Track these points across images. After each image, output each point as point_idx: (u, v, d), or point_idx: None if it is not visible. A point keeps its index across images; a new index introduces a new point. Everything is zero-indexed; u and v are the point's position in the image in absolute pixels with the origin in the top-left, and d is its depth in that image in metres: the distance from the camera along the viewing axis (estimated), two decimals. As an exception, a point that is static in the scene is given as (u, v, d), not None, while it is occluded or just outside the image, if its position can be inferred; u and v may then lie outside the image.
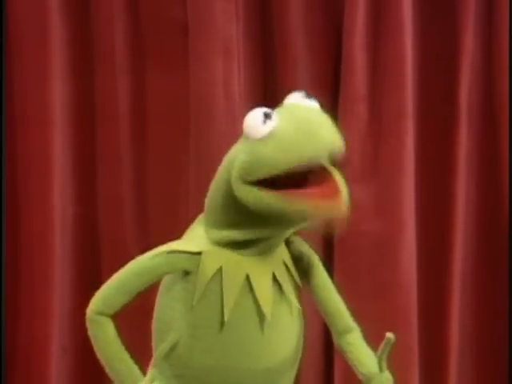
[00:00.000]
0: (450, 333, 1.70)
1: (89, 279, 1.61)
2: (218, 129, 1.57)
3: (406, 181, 1.65)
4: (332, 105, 1.66)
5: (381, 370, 1.07)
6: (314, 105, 1.00)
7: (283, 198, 0.93)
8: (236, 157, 0.97)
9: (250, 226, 0.98)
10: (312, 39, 1.66)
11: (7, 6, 1.55)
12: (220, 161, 1.57)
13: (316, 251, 1.63)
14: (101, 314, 1.02)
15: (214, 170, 1.58)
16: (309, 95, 1.01)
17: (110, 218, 1.62)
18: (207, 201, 1.04)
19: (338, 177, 0.97)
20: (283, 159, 0.92)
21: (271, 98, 1.64)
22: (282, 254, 1.05)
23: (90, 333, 1.03)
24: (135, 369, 1.04)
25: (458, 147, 1.69)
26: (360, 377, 1.10)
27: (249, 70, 1.62)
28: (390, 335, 1.04)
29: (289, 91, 1.62)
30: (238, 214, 0.98)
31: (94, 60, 1.61)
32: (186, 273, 1.00)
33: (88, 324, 1.03)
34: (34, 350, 1.55)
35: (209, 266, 0.99)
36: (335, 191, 0.95)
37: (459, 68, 1.69)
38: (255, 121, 0.96)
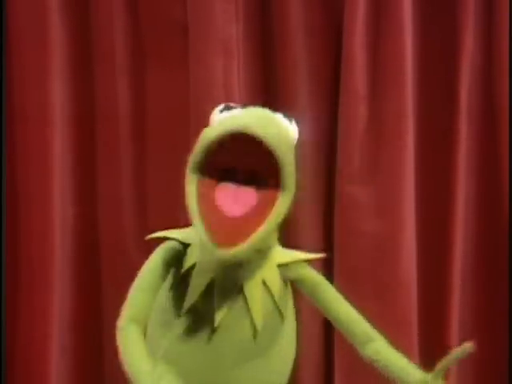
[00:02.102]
0: (450, 332, 1.70)
1: (89, 279, 1.61)
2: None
3: (406, 181, 1.65)
4: (332, 104, 1.66)
5: (437, 376, 1.02)
6: (280, 118, 1.02)
7: (194, 206, 0.96)
8: None
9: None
10: (312, 39, 1.66)
11: (7, 6, 1.55)
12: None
13: (315, 251, 1.64)
14: (133, 320, 1.00)
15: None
16: (291, 119, 1.03)
17: (110, 218, 1.62)
18: None
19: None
20: (208, 133, 0.96)
21: (271, 98, 1.64)
22: (266, 274, 1.02)
23: (119, 340, 0.99)
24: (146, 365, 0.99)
25: (457, 147, 1.69)
26: None
27: (249, 70, 1.62)
28: (469, 345, 1.02)
29: (289, 91, 1.64)
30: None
31: (94, 60, 1.61)
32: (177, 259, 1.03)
33: (118, 333, 1.00)
34: (34, 350, 1.55)
35: (189, 259, 1.01)
36: (237, 240, 0.91)
37: (459, 67, 1.69)
38: (214, 113, 1.02)
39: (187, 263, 1.01)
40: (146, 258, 1.66)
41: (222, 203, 0.94)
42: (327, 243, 1.66)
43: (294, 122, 1.04)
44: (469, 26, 1.68)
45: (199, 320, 1.00)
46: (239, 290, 1.00)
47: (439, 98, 1.71)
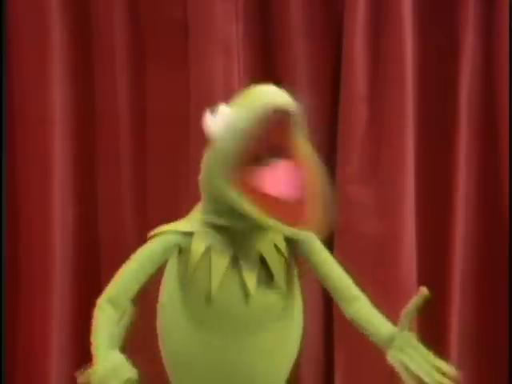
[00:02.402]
0: (450, 333, 1.70)
1: (89, 279, 1.61)
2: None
3: (406, 181, 1.65)
4: (332, 105, 1.66)
5: (403, 328, 1.05)
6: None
7: (245, 200, 0.97)
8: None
9: (227, 215, 1.01)
10: (312, 39, 1.66)
11: (7, 6, 1.55)
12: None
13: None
14: (110, 301, 1.03)
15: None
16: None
17: (110, 218, 1.62)
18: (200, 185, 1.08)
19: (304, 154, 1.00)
20: (241, 123, 0.97)
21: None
22: (274, 236, 1.07)
23: (93, 319, 1.03)
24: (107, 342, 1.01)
25: (457, 147, 1.69)
26: (378, 342, 1.08)
27: (249, 70, 1.62)
28: (423, 288, 1.03)
29: (289, 91, 1.64)
30: (216, 203, 1.03)
31: (94, 60, 1.61)
32: (180, 252, 1.05)
33: (95, 310, 1.03)
34: (34, 350, 1.55)
35: (199, 245, 1.03)
36: (298, 210, 0.98)
37: (459, 68, 1.69)
38: (206, 122, 1.02)
39: (198, 250, 1.03)
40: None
41: (272, 189, 0.97)
42: (327, 243, 1.66)
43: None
44: (469, 27, 1.68)
45: (229, 297, 1.03)
46: (258, 258, 1.05)
47: (439, 98, 1.71)
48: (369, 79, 1.65)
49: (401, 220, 1.64)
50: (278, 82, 1.61)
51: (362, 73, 1.64)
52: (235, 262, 1.04)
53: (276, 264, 1.06)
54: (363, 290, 1.62)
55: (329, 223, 1.01)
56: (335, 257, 1.61)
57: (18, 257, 1.57)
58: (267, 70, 1.65)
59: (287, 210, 0.97)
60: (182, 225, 1.07)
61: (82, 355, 1.60)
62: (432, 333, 1.69)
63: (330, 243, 1.66)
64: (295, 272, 1.10)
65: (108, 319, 1.02)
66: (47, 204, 1.55)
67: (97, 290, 1.60)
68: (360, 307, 1.10)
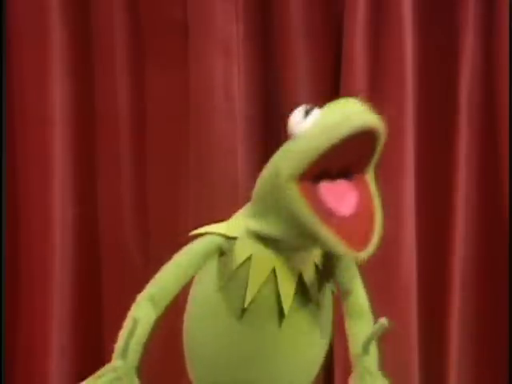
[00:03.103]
0: (450, 333, 1.70)
1: (89, 279, 1.61)
2: (217, 129, 1.57)
3: (406, 181, 1.65)
4: (332, 104, 1.66)
5: (365, 351, 1.05)
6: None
7: (312, 215, 0.91)
8: (277, 154, 0.97)
9: (275, 228, 0.97)
10: (312, 39, 1.66)
11: (7, 6, 1.55)
12: (220, 160, 1.59)
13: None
14: (151, 299, 1.00)
15: (213, 170, 1.60)
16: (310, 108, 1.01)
17: (110, 218, 1.62)
18: (254, 190, 1.03)
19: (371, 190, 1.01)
20: (316, 141, 0.92)
21: (271, 98, 1.64)
22: (314, 253, 1.04)
23: (129, 312, 1.00)
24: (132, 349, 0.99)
25: (458, 147, 1.69)
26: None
27: (249, 70, 1.62)
28: (383, 320, 1.03)
29: (289, 91, 1.64)
30: (267, 211, 0.98)
31: (94, 60, 1.61)
32: (221, 254, 1.02)
33: (133, 305, 1.01)
34: (34, 350, 1.55)
35: (241, 252, 1.00)
36: (365, 239, 0.98)
37: (459, 67, 1.69)
38: (295, 117, 0.97)
39: (239, 257, 1.00)
40: (146, 257, 1.67)
41: (331, 205, 0.93)
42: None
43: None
44: (469, 26, 1.68)
45: (262, 310, 1.00)
46: (298, 275, 1.01)
47: (439, 97, 1.71)
48: (369, 79, 1.65)
49: (401, 220, 1.64)
50: (277, 81, 1.64)
51: (362, 72, 1.64)
52: (274, 275, 0.99)
53: (314, 284, 1.02)
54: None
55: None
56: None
57: (18, 257, 1.57)
58: (267, 70, 1.66)
59: (353, 229, 0.94)
60: (225, 228, 1.03)
61: (82, 355, 1.62)
62: (432, 332, 1.70)
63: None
64: (328, 292, 1.07)
65: (146, 318, 0.99)
66: (47, 204, 1.55)
67: (97, 290, 1.62)
68: (355, 325, 1.09)
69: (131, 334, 0.98)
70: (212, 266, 1.03)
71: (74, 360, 1.61)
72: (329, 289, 1.08)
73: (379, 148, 0.97)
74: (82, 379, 1.67)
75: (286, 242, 0.99)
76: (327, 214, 0.92)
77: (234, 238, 1.01)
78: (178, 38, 1.60)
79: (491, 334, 1.75)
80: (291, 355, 1.03)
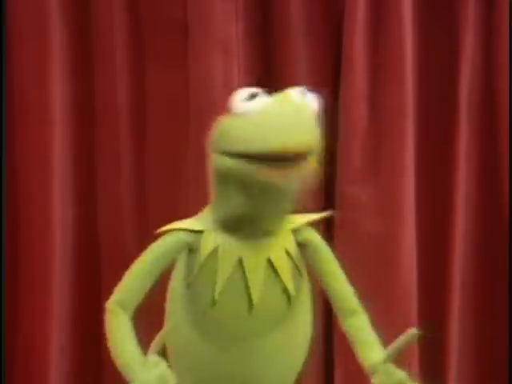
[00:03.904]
0: (450, 333, 1.70)
1: (88, 280, 1.61)
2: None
3: (407, 180, 1.65)
4: (332, 104, 1.66)
5: (388, 359, 1.04)
6: (306, 101, 1.01)
7: (243, 164, 0.94)
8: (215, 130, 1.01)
9: (234, 202, 0.99)
10: (312, 38, 1.66)
11: (7, 6, 1.55)
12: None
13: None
14: (120, 304, 1.02)
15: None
16: (309, 91, 1.03)
17: (110, 218, 1.62)
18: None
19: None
20: (246, 142, 0.95)
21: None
22: (285, 241, 1.05)
23: (106, 325, 1.03)
24: (138, 355, 1.00)
25: (458, 146, 1.69)
26: (363, 366, 1.08)
27: (249, 70, 1.62)
28: (413, 330, 1.02)
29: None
30: (221, 189, 1.00)
31: (94, 60, 1.61)
32: (190, 250, 1.03)
33: (106, 315, 1.03)
34: (34, 350, 1.55)
35: (207, 244, 1.02)
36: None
37: (459, 67, 1.69)
38: (239, 97, 0.99)
39: (206, 249, 1.02)
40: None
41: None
42: (327, 243, 1.65)
43: (310, 95, 1.03)
44: (469, 25, 1.68)
45: (233, 300, 1.02)
46: (267, 263, 1.02)
47: (439, 96, 1.71)
48: (369, 78, 1.65)
49: (401, 219, 1.64)
50: (277, 81, 1.64)
51: (362, 71, 1.64)
52: (241, 264, 1.02)
53: (285, 269, 1.04)
54: (363, 289, 1.64)
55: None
56: (335, 256, 1.62)
57: (18, 257, 1.56)
58: (267, 70, 1.65)
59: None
60: (191, 223, 1.05)
61: (82, 355, 1.62)
62: (432, 332, 1.69)
63: (330, 243, 1.66)
64: (305, 278, 1.09)
65: (125, 325, 1.01)
66: (47, 204, 1.55)
67: (97, 290, 1.61)
68: (355, 323, 1.10)
69: (121, 350, 0.99)
70: (181, 263, 1.04)
71: (73, 360, 1.61)
72: (306, 282, 1.08)
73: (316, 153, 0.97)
74: (82, 379, 1.67)
75: (251, 226, 1.00)
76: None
77: (201, 232, 1.03)
78: (178, 37, 1.60)
79: (491, 333, 1.75)
80: (267, 346, 1.04)
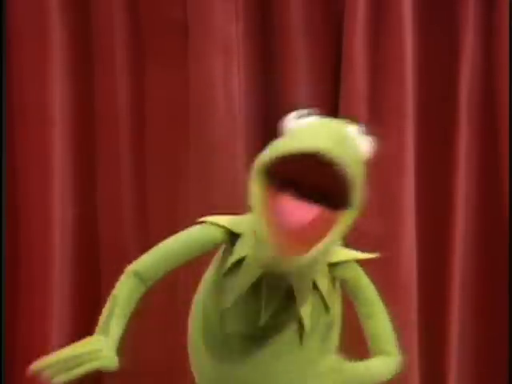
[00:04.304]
0: (450, 332, 1.70)
1: (88, 280, 1.61)
2: (217, 128, 1.57)
3: (406, 180, 1.65)
4: (332, 104, 1.66)
5: None
6: (357, 136, 0.98)
7: (260, 209, 0.88)
8: None
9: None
10: (312, 38, 1.66)
11: (7, 6, 1.55)
12: (220, 160, 1.59)
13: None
14: (137, 275, 1.00)
15: (213, 170, 1.60)
16: (367, 134, 1.00)
17: (110, 218, 1.62)
18: None
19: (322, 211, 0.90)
20: (282, 144, 0.90)
21: (271, 98, 1.64)
22: (317, 275, 1.00)
23: (116, 286, 1.01)
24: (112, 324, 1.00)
25: (458, 146, 1.69)
26: None
27: (249, 69, 1.62)
28: None
29: (289, 90, 1.64)
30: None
31: (94, 60, 1.61)
32: (226, 250, 1.01)
33: (121, 277, 1.01)
34: (34, 350, 1.54)
35: (238, 251, 0.98)
36: (299, 243, 0.88)
37: (459, 67, 1.69)
38: (290, 116, 0.97)
39: (236, 255, 0.98)
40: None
41: (283, 212, 0.88)
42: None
43: (366, 136, 1.00)
44: (469, 25, 1.68)
45: (243, 316, 0.99)
46: (288, 290, 0.97)
47: (439, 96, 1.71)
48: (369, 78, 1.65)
49: (401, 219, 1.64)
50: (277, 80, 1.64)
51: (362, 72, 1.64)
52: (261, 282, 0.96)
53: (304, 301, 0.99)
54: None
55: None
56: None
57: (18, 257, 1.56)
58: (267, 70, 1.65)
59: (291, 233, 0.88)
60: (233, 223, 1.01)
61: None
62: (432, 332, 1.69)
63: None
64: (332, 314, 1.04)
65: (128, 294, 0.99)
66: (47, 204, 1.55)
67: (97, 290, 1.61)
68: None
69: (111, 312, 0.99)
70: (217, 258, 1.02)
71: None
72: (333, 319, 1.04)
73: (353, 189, 0.89)
74: (82, 379, 1.67)
75: None
76: (273, 215, 0.87)
77: (239, 235, 1.00)
78: (178, 37, 1.60)
79: (491, 333, 1.74)
80: (268, 371, 1.01)
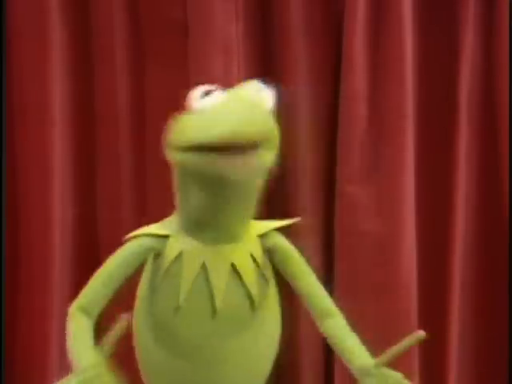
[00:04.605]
0: (450, 333, 1.70)
1: (88, 280, 1.61)
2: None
3: (406, 180, 1.65)
4: (332, 104, 1.66)
5: (381, 363, 1.05)
6: (259, 95, 1.00)
7: (195, 157, 0.95)
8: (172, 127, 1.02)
9: (194, 202, 1.00)
10: (312, 38, 1.66)
11: (7, 6, 1.55)
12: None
13: (315, 251, 1.64)
14: (82, 310, 1.03)
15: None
16: (265, 85, 1.01)
17: (110, 218, 1.62)
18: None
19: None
20: (196, 133, 0.95)
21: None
22: (251, 246, 1.05)
23: (67, 329, 1.02)
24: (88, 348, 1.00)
25: (458, 146, 1.69)
26: (351, 369, 1.08)
27: (249, 70, 1.62)
28: (420, 332, 1.03)
29: (288, 90, 1.64)
30: (181, 189, 1.02)
31: (94, 60, 1.61)
32: (156, 255, 1.04)
33: (67, 320, 1.03)
34: (34, 350, 1.55)
35: (172, 249, 1.02)
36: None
37: (459, 67, 1.69)
38: (193, 95, 1.01)
39: (170, 254, 1.02)
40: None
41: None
42: (327, 243, 1.66)
43: (265, 90, 1.01)
44: (469, 25, 1.68)
45: (196, 306, 1.01)
46: (231, 268, 1.02)
47: (439, 97, 1.71)
48: (369, 79, 1.65)
49: (401, 219, 1.64)
50: (277, 80, 1.64)
51: (362, 72, 1.64)
52: (205, 269, 1.01)
53: (248, 274, 1.03)
54: (363, 289, 1.64)
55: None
56: (335, 257, 1.62)
57: (18, 257, 1.57)
58: (267, 70, 1.65)
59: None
60: (157, 228, 1.05)
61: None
62: (432, 332, 1.69)
63: (330, 243, 1.66)
64: (272, 283, 1.09)
65: (83, 328, 1.01)
66: (47, 204, 1.55)
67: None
68: (333, 324, 1.10)
69: (75, 349, 0.99)
70: (147, 268, 1.05)
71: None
72: (273, 287, 1.08)
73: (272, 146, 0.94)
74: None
75: (212, 225, 1.00)
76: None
77: (167, 236, 1.03)
78: (178, 37, 1.60)
79: (491, 333, 1.75)
80: (231, 351, 1.04)
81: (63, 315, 1.58)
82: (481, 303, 1.74)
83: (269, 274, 1.08)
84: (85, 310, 1.03)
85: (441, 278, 1.70)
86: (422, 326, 1.65)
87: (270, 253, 1.09)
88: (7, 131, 1.56)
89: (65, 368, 1.59)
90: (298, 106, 1.63)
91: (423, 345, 1.67)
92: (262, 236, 1.08)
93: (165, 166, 1.63)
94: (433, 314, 1.69)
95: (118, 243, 1.59)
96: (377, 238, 1.63)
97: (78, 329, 1.01)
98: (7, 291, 1.56)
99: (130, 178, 1.62)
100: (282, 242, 1.11)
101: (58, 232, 1.56)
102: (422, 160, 1.69)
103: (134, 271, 1.05)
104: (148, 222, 1.61)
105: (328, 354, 1.67)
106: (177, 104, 1.61)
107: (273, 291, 1.10)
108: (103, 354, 0.96)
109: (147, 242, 1.04)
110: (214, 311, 1.01)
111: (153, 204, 1.63)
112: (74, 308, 1.03)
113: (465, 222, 1.72)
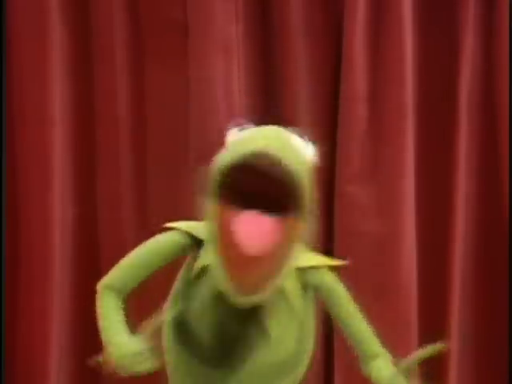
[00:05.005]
0: (450, 333, 1.70)
1: (88, 279, 1.60)
2: (217, 128, 1.57)
3: (406, 180, 1.65)
4: (332, 105, 1.66)
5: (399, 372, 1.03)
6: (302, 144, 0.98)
7: (214, 227, 0.91)
8: None
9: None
10: (312, 39, 1.66)
11: (7, 6, 1.55)
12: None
13: (315, 251, 1.63)
14: (110, 288, 1.01)
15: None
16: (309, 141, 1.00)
17: (110, 218, 1.62)
18: None
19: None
20: (224, 156, 0.93)
21: (271, 98, 1.64)
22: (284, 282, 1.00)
23: (96, 305, 1.01)
24: (119, 326, 0.99)
25: (457, 146, 1.69)
26: None
27: (249, 69, 1.63)
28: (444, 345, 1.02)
29: (289, 91, 1.64)
30: None
31: (94, 60, 1.61)
32: (192, 257, 1.02)
33: (97, 297, 1.02)
34: (34, 350, 1.55)
35: (201, 260, 1.00)
36: (256, 286, 0.92)
37: (459, 67, 1.69)
38: (230, 133, 1.00)
39: (201, 261, 1.00)
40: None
41: (243, 238, 0.90)
42: (327, 243, 1.66)
43: (309, 143, 1.00)
44: (469, 26, 1.68)
45: (210, 323, 1.00)
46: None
47: (439, 97, 1.71)
48: (369, 78, 1.65)
49: (401, 220, 1.64)
50: (277, 80, 1.64)
51: (362, 72, 1.64)
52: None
53: (268, 305, 0.99)
54: (363, 289, 1.64)
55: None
56: (335, 257, 1.62)
57: (18, 257, 1.57)
58: (267, 70, 1.66)
59: (249, 271, 0.91)
60: (196, 228, 1.01)
61: (82, 355, 1.61)
62: (432, 332, 1.69)
63: (330, 243, 1.66)
64: (297, 317, 1.05)
65: (111, 303, 1.00)
66: (47, 204, 1.55)
67: (96, 290, 1.61)
68: (376, 364, 1.06)
69: (105, 331, 0.99)
70: (187, 262, 1.04)
71: (73, 360, 1.60)
72: (297, 321, 1.05)
73: (300, 193, 0.91)
74: (82, 379, 1.67)
75: None
76: (231, 246, 0.90)
77: (202, 241, 1.00)
78: (178, 37, 1.60)
79: (491, 333, 1.75)
80: (242, 371, 1.01)
81: (63, 315, 1.60)
82: (481, 303, 1.74)
83: (298, 304, 1.03)
84: (112, 287, 1.01)
85: (441, 278, 1.70)
86: (421, 326, 1.67)
87: (314, 288, 1.05)
88: (7, 131, 1.56)
89: (65, 368, 1.61)
90: (298, 106, 1.63)
91: (423, 345, 1.67)
92: (304, 269, 1.04)
93: (165, 166, 1.64)
94: (433, 314, 1.69)
95: (118, 243, 1.60)
96: (376, 238, 1.64)
97: (108, 308, 1.00)
98: (7, 291, 1.56)
99: (129, 178, 1.62)
100: (326, 279, 1.07)
101: (58, 232, 1.56)
102: (421, 160, 1.69)
103: (163, 263, 1.02)
104: (148, 222, 1.62)
105: (328, 354, 1.67)
106: (177, 104, 1.63)
107: (308, 331, 1.07)
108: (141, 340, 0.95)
109: (183, 240, 1.02)
110: (226, 332, 0.99)
111: (153, 204, 1.63)
112: (101, 286, 1.02)
113: (465, 223, 1.72)
